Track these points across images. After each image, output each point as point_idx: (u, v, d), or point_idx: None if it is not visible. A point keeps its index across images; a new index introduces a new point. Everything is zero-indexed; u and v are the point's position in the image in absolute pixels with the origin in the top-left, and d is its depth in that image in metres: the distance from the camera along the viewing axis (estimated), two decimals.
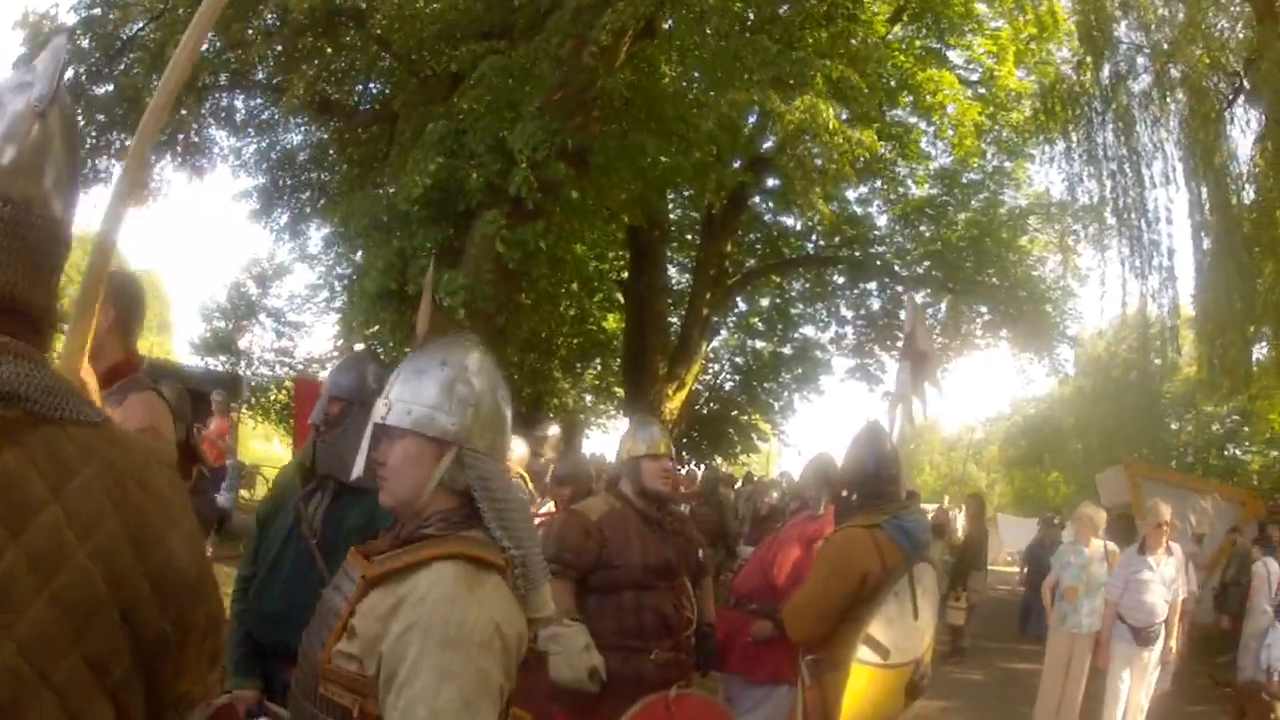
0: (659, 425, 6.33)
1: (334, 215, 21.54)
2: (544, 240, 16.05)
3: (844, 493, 5.79)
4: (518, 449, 10.09)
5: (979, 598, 17.86)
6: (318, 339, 37.04)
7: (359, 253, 19.65)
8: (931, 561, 5.60)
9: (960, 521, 23.28)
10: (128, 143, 20.14)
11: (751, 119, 24.00)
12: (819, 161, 17.07)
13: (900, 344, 7.86)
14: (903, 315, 9.94)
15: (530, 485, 9.16)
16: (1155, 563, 10.56)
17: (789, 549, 7.41)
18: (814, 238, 30.78)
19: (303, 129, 25.23)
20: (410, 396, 2.81)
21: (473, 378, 2.86)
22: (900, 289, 29.87)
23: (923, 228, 29.54)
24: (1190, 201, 22.26)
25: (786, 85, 15.43)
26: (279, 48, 20.09)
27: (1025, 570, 20.11)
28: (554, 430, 12.79)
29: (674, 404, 27.16)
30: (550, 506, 9.06)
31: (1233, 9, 21.78)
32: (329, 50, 20.97)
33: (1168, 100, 22.74)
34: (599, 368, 34.67)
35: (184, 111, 20.95)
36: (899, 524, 5.38)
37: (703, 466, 23.36)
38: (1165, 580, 10.59)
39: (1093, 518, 11.50)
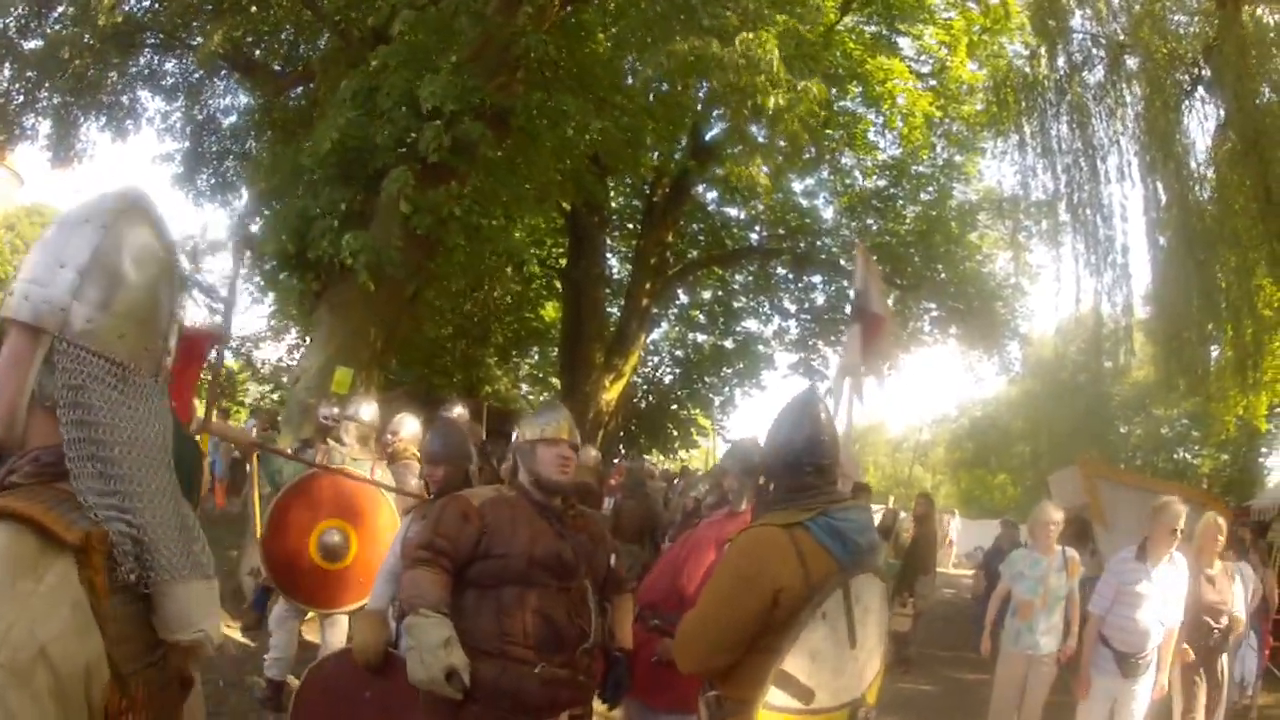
0: (563, 409, 5.50)
1: (252, 180, 20.18)
2: (457, 205, 14.57)
3: (762, 481, 4.37)
4: (409, 426, 9.27)
5: (926, 604, 16.60)
6: (250, 316, 35.65)
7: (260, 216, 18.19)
8: (877, 572, 4.20)
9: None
10: (56, 100, 19.79)
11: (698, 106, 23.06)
12: (762, 140, 15.81)
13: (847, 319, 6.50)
14: (851, 289, 7.83)
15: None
16: (1155, 573, 8.43)
17: (702, 553, 6.26)
18: (758, 229, 30.05)
19: (232, 93, 24.15)
20: (27, 272, 1.89)
21: (123, 245, 1.89)
22: (847, 285, 28.61)
23: (870, 221, 28.60)
24: (1146, 197, 21.34)
25: (727, 34, 14.08)
26: (209, 6, 19.15)
27: (982, 578, 18.46)
28: (458, 410, 11.36)
29: (610, 395, 26.38)
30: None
31: None
32: (253, 8, 20.04)
33: (1124, 92, 21.87)
34: (537, 358, 33.94)
35: (113, 74, 20.44)
36: (830, 523, 4.02)
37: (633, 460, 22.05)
38: (1165, 596, 8.47)
39: (1051, 521, 9.64)
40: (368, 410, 9.17)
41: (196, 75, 22.70)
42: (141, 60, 21.47)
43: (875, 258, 27.52)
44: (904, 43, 26.51)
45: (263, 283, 16.30)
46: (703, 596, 4.13)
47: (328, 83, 16.99)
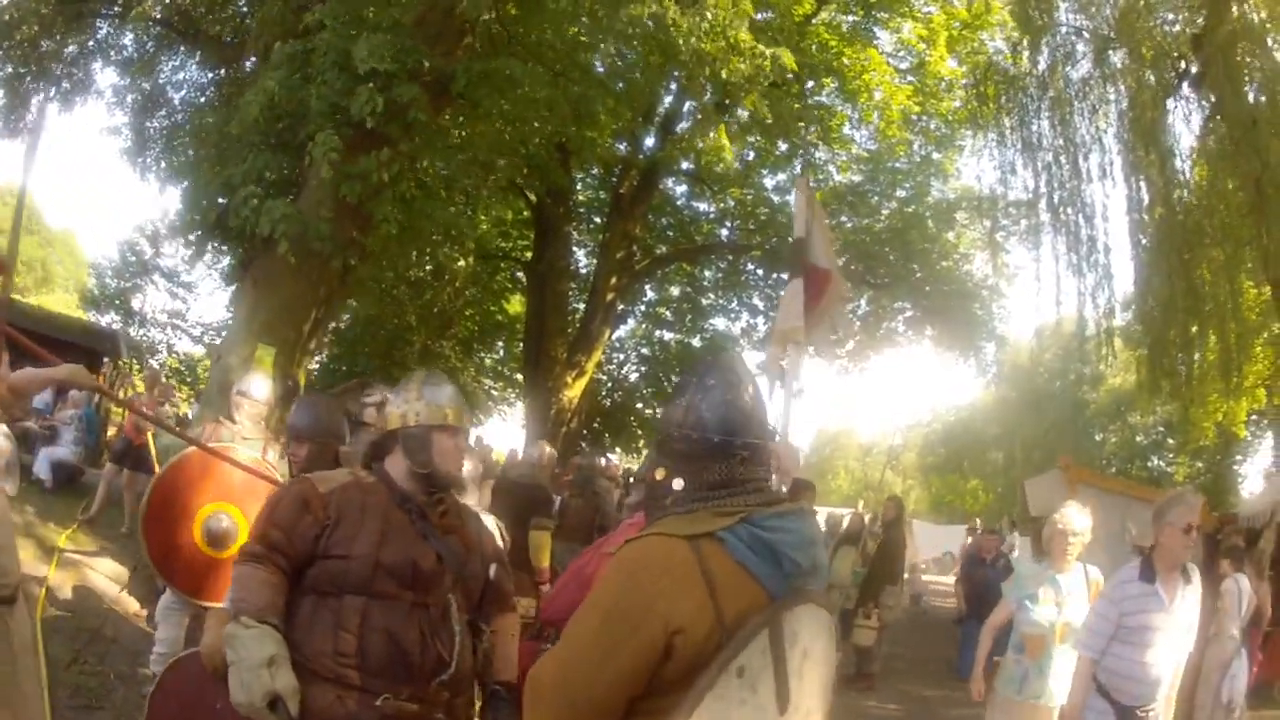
0: (453, 388, 4.44)
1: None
2: (387, 172, 13.34)
3: (659, 472, 3.02)
4: (257, 389, 8.21)
5: (893, 615, 15.19)
6: (212, 304, 34.66)
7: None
8: (821, 602, 2.92)
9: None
10: (8, 70, 19.28)
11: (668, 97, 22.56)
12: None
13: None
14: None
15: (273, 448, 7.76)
16: (1169, 598, 6.18)
17: None
18: (728, 224, 29.15)
19: (185, 68, 23.20)
20: None
21: None
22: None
23: (844, 218, 27.45)
24: (1129, 197, 20.71)
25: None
26: None
27: (962, 593, 16.97)
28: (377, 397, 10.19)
29: (573, 392, 25.59)
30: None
31: None
32: None
33: (1107, 88, 21.27)
34: (502, 352, 32.97)
35: (71, 48, 19.98)
36: (756, 534, 2.74)
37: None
38: (1181, 627, 6.27)
39: (1072, 532, 7.22)
40: (261, 387, 8.24)
41: (150, 48, 21.94)
42: (100, 34, 20.90)
43: (848, 256, 26.85)
44: (883, 38, 25.89)
45: (189, 254, 15.12)
46: (565, 637, 2.81)
47: (264, 47, 15.82)
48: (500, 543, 6.27)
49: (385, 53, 12.56)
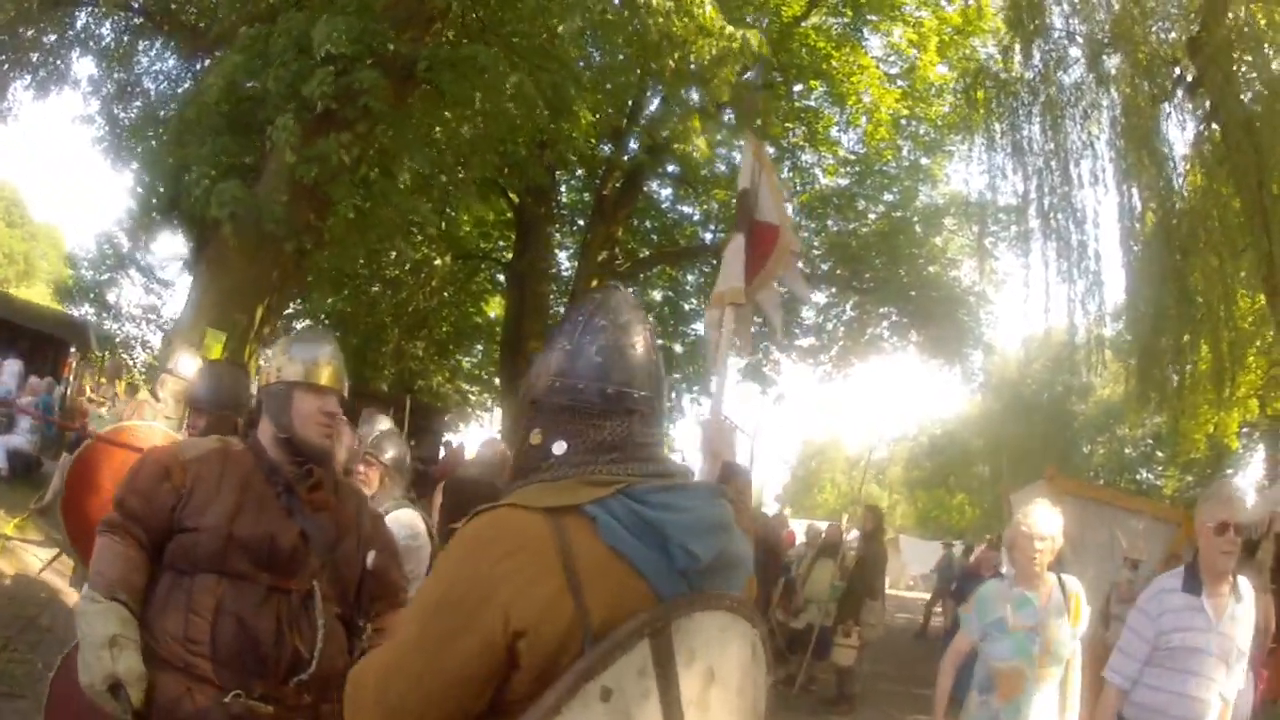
0: (331, 347, 3.89)
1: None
2: (347, 154, 12.67)
3: (534, 435, 2.36)
4: (183, 366, 7.69)
5: (874, 634, 14.31)
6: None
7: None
8: (740, 611, 2.27)
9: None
10: None
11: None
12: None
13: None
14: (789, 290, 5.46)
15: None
16: (1216, 615, 4.97)
17: None
18: (712, 227, 28.44)
19: (163, 59, 22.67)
20: None
21: None
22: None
23: (830, 222, 27.27)
24: (1120, 204, 20.16)
25: None
26: None
27: (950, 610, 15.77)
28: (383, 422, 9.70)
29: None
30: None
31: None
32: None
33: (1100, 94, 20.65)
34: (480, 355, 32.24)
35: (52, 36, 19.47)
36: (638, 510, 2.15)
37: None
38: (1230, 651, 5.00)
39: (1037, 536, 5.62)
40: (188, 365, 7.68)
41: (126, 38, 21.54)
42: (79, 24, 20.36)
43: (834, 260, 26.36)
44: (873, 42, 25.60)
45: (142, 239, 14.45)
46: (392, 630, 2.52)
47: (229, 30, 15.21)
48: (423, 538, 5.95)
49: (342, 36, 11.97)
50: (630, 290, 2.68)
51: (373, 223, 15.35)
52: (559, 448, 2.28)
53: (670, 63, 13.57)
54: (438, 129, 17.11)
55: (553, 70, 15.18)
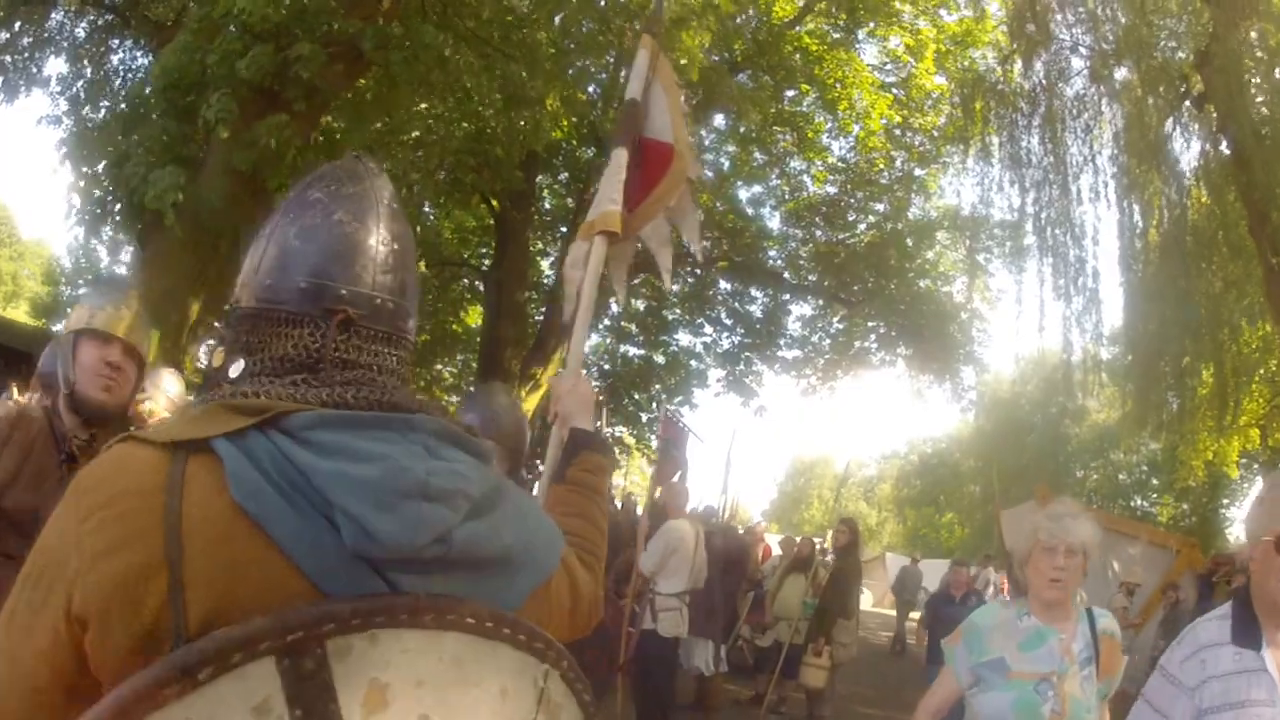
0: (128, 293, 3.73)
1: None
2: (275, 138, 11.60)
3: (217, 355, 1.70)
4: (169, 386, 6.82)
5: (847, 654, 13.03)
6: None
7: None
8: (515, 637, 1.45)
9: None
10: None
11: None
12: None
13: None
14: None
15: None
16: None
17: None
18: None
19: (131, 55, 21.68)
20: None
21: None
22: (788, 298, 28.02)
23: (818, 232, 26.53)
24: (1121, 222, 19.70)
25: None
26: None
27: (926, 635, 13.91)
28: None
29: (527, 405, 23.64)
30: None
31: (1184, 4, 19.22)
32: None
33: (1104, 106, 20.25)
34: (461, 366, 31.48)
35: (27, 39, 18.90)
36: (290, 450, 1.37)
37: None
38: None
39: (1065, 543, 4.10)
40: (172, 384, 6.93)
41: (97, 35, 20.80)
42: (52, 24, 19.72)
43: (821, 271, 25.48)
44: (868, 50, 24.94)
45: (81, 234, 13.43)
46: None
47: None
48: None
49: (268, 8, 11.01)
50: (371, 162, 1.79)
51: None
52: (235, 368, 1.61)
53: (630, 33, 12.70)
54: (398, 118, 16.19)
55: (515, 55, 14.12)
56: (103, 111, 21.00)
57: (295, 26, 11.45)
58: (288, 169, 11.77)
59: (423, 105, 16.96)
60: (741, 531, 17.67)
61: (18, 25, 18.35)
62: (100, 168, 12.37)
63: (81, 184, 12.98)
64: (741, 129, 25.30)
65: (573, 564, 1.93)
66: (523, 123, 16.55)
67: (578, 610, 1.92)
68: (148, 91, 12.27)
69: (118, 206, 12.22)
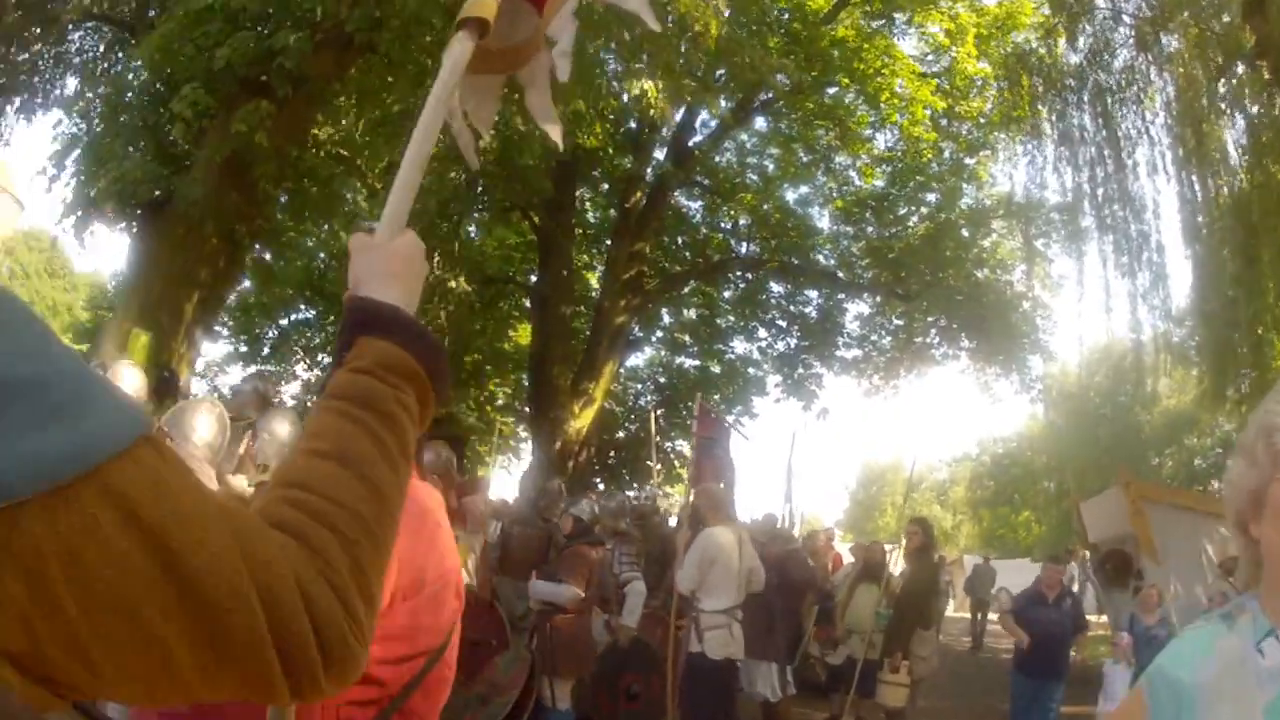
0: None
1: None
2: (248, 123, 10.67)
3: None
4: (129, 378, 6.51)
5: (928, 668, 11.53)
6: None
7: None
8: None
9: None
10: None
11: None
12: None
13: None
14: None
15: None
16: None
17: None
18: (745, 240, 26.87)
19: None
20: None
21: None
22: (843, 297, 26.98)
23: (870, 228, 25.52)
24: (1181, 193, 18.90)
25: None
26: None
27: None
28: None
29: (580, 423, 23.27)
30: None
31: None
32: None
33: (1153, 75, 19.20)
34: (514, 386, 30.45)
35: (48, 60, 18.39)
36: None
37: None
38: None
39: None
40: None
41: (109, 50, 20.05)
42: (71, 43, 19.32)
43: (876, 269, 24.54)
44: (907, 42, 24.00)
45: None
46: None
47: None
48: None
49: None
50: None
51: (310, 207, 13.36)
52: None
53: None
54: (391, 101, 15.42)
55: None
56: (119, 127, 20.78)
57: (279, 14, 10.68)
58: (288, 165, 11.09)
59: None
60: (797, 537, 15.73)
61: (36, 46, 17.90)
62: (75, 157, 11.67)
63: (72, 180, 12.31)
64: (783, 127, 24.77)
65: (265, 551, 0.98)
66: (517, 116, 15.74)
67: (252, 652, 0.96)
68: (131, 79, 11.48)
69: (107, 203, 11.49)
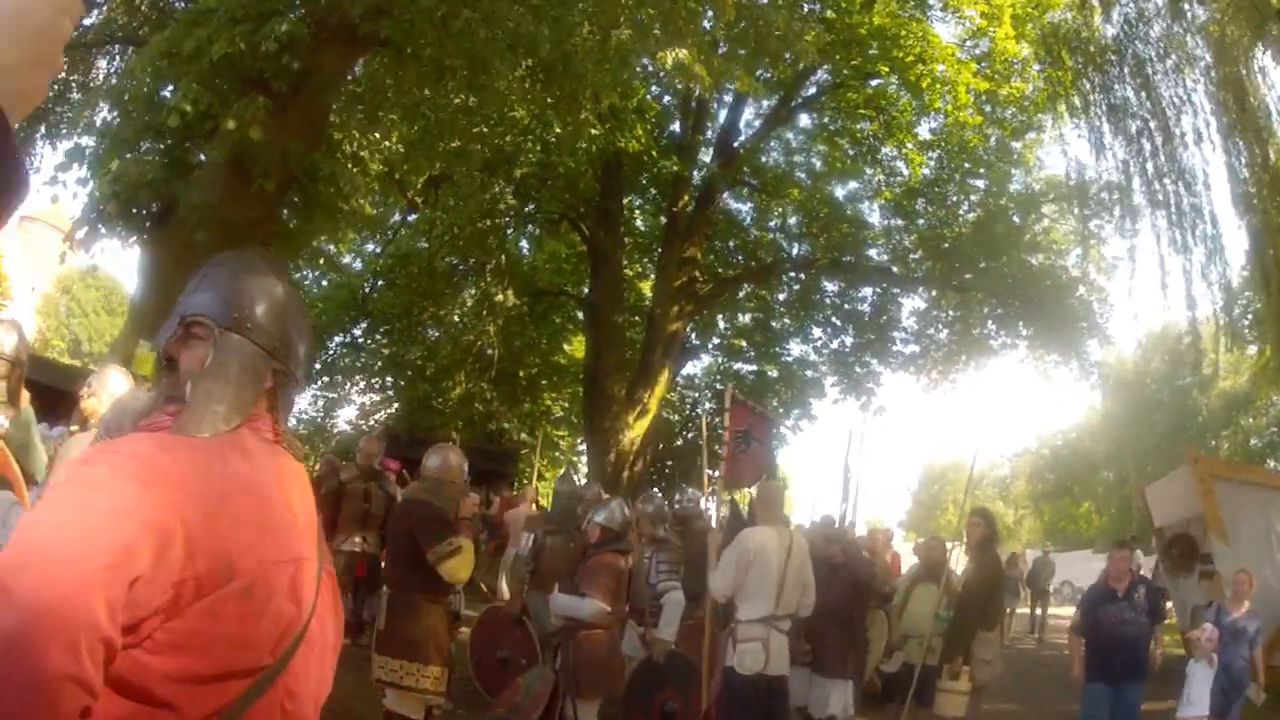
0: None
1: None
2: (240, 119, 9.56)
3: None
4: (114, 383, 6.08)
5: (991, 672, 9.69)
6: None
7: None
8: None
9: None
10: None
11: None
12: None
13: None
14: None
15: None
16: None
17: None
18: (798, 240, 25.89)
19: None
20: None
21: None
22: (898, 291, 25.77)
23: (920, 220, 24.33)
24: (1228, 163, 17.86)
25: None
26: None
27: (1078, 641, 10.30)
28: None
29: (635, 432, 22.49)
30: None
31: None
32: None
33: (1189, 42, 18.30)
34: (570, 399, 29.59)
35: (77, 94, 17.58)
36: None
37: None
38: None
39: None
40: (116, 383, 6.10)
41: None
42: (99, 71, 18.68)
43: (929, 262, 23.32)
44: (944, 30, 22.88)
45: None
46: None
47: None
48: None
49: None
50: None
51: (315, 210, 12.14)
52: None
53: None
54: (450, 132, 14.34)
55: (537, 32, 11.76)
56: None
57: (283, 8, 9.75)
58: (296, 166, 10.00)
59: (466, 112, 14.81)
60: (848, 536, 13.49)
61: (61, 74, 17.14)
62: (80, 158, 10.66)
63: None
64: (826, 121, 24.13)
65: None
66: (566, 123, 14.49)
67: None
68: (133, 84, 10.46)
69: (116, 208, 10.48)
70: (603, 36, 11.81)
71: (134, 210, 10.09)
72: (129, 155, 9.82)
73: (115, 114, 11.46)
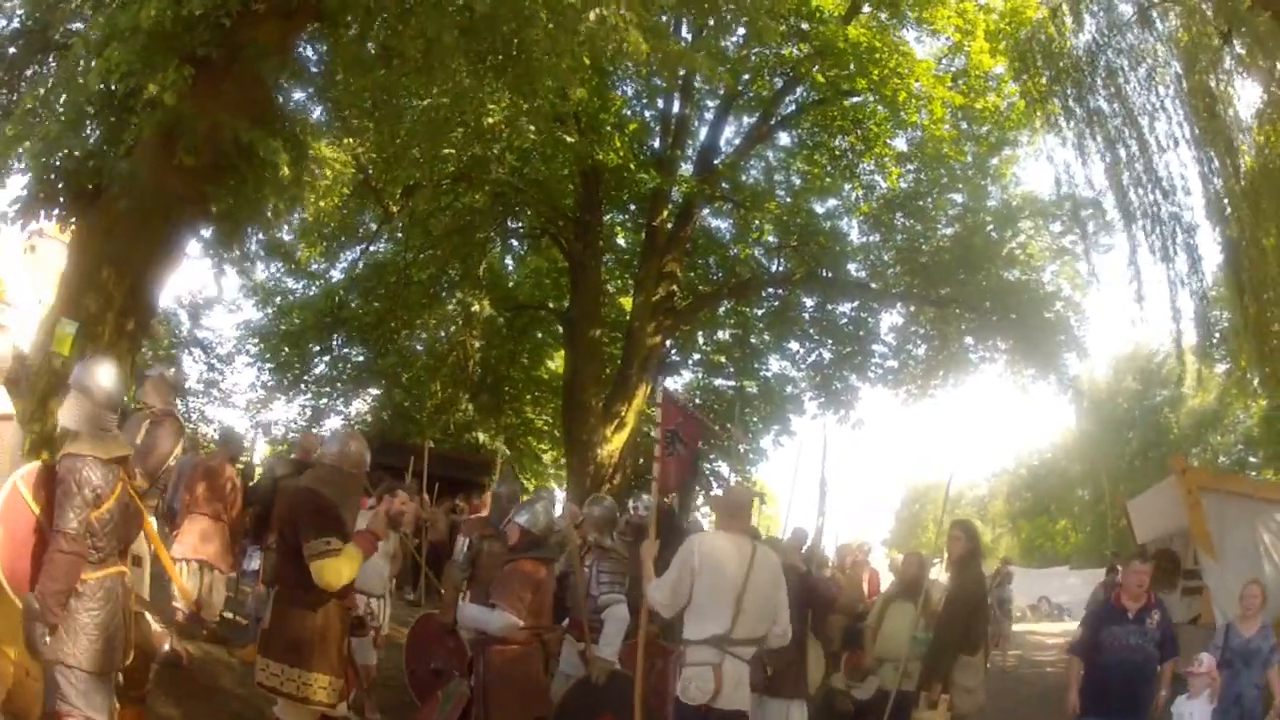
0: None
1: None
2: (167, 90, 8.46)
3: None
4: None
5: (973, 702, 8.30)
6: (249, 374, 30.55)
7: None
8: None
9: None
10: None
11: None
12: None
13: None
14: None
15: None
16: None
17: None
18: (777, 256, 25.03)
19: None
20: None
21: None
22: (876, 306, 24.82)
23: (899, 235, 23.48)
24: (1202, 175, 16.94)
25: None
26: None
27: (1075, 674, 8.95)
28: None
29: (613, 445, 21.70)
30: None
31: None
32: None
33: (1159, 51, 17.46)
34: (551, 413, 28.87)
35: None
36: None
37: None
38: None
39: None
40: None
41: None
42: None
43: (907, 277, 22.42)
44: (920, 47, 22.36)
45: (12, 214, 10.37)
46: None
47: None
48: None
49: None
50: None
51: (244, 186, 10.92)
52: None
53: None
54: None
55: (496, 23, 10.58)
56: None
57: None
58: (226, 142, 8.90)
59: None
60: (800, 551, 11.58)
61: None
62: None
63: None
64: (803, 135, 23.60)
65: None
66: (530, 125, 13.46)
67: None
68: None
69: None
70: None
71: (68, 188, 9.26)
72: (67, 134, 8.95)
73: (57, 95, 10.47)
